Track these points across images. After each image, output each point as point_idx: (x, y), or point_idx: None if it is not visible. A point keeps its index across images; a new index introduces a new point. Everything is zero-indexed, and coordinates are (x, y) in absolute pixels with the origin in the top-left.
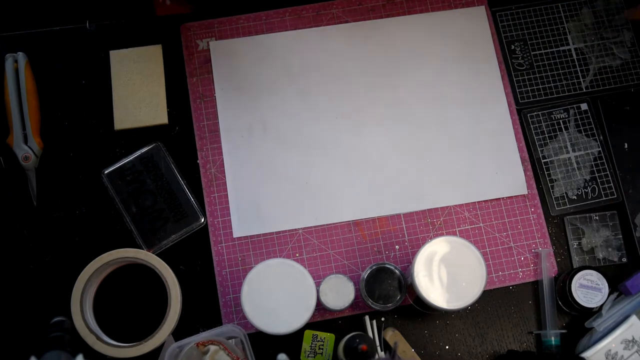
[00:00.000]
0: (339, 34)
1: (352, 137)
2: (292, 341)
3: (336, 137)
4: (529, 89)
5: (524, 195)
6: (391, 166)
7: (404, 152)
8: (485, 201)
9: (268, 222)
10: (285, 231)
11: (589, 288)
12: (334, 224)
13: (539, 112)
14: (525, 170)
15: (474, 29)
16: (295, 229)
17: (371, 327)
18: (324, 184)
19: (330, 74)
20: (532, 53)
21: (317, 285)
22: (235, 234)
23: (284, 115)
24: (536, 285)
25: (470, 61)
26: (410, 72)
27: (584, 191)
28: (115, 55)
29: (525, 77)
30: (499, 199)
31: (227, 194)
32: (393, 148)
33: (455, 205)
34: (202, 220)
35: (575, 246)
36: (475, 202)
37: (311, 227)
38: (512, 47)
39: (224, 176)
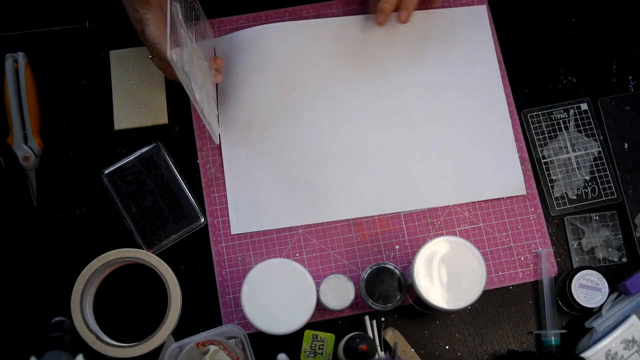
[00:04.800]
0: (339, 32)
1: (352, 136)
2: (292, 341)
3: (336, 135)
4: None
5: (523, 196)
6: (391, 166)
7: (403, 152)
8: (485, 201)
9: (266, 219)
10: (285, 231)
11: (589, 288)
12: (334, 224)
13: (539, 112)
14: (525, 170)
15: (474, 29)
16: (296, 229)
17: (371, 327)
18: (323, 182)
19: (329, 72)
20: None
21: (317, 285)
22: (234, 231)
23: (283, 114)
24: (536, 285)
25: (470, 61)
26: (410, 71)
27: (584, 191)
28: (115, 55)
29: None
30: (499, 199)
31: (227, 194)
32: (393, 147)
33: (455, 205)
34: (202, 220)
35: (575, 246)
36: (475, 202)
37: (311, 227)
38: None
39: (224, 176)
